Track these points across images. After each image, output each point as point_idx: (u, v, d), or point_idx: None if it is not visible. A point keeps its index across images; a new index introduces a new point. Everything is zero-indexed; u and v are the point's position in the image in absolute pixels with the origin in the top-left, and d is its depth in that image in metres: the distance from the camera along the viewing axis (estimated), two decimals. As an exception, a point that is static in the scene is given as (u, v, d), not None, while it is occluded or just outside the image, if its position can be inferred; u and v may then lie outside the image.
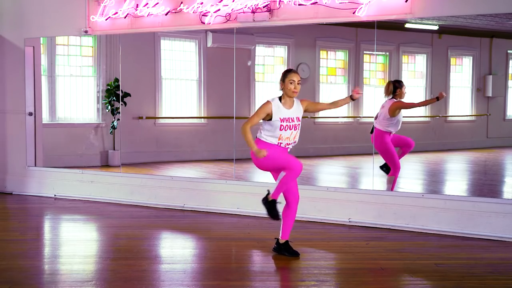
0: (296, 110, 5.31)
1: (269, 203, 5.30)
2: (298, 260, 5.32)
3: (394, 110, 7.23)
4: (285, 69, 5.46)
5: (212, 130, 10.87)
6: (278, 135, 5.23)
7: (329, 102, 5.55)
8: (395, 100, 7.29)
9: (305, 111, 5.40)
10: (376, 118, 7.44)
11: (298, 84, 5.26)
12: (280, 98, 5.31)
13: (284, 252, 5.43)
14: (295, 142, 5.35)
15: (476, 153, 10.79)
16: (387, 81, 7.50)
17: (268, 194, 5.31)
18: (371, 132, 7.47)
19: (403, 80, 10.45)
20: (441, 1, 6.42)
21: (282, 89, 5.30)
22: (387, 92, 7.35)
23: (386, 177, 7.46)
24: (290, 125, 5.24)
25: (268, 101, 5.29)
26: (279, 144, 5.25)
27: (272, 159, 5.24)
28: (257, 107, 5.34)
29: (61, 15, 8.41)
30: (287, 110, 5.26)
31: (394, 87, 7.30)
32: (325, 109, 5.58)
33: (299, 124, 5.31)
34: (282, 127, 5.22)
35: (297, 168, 5.18)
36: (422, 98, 10.48)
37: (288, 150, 5.36)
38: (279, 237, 5.48)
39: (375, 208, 6.71)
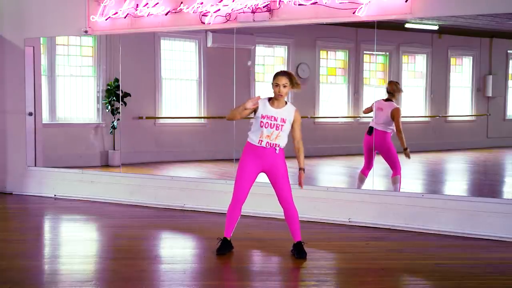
0: (283, 112, 5.30)
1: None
2: (298, 260, 5.31)
3: (393, 116, 7.35)
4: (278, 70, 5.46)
5: (212, 130, 10.87)
6: (259, 132, 5.29)
7: (297, 146, 5.42)
8: (396, 106, 7.41)
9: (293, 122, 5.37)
10: (374, 119, 7.51)
11: (284, 87, 5.26)
12: (270, 98, 5.37)
13: (294, 252, 5.44)
14: (277, 145, 5.29)
15: (476, 153, 10.80)
16: (388, 81, 7.62)
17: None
18: (369, 133, 7.48)
19: (403, 80, 10.50)
20: (441, 1, 6.42)
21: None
22: (393, 91, 7.46)
23: (390, 178, 7.47)
24: (271, 123, 5.26)
25: (259, 96, 5.39)
26: (259, 142, 5.27)
27: (238, 170, 5.42)
28: None
29: (61, 15, 8.41)
30: (272, 108, 5.30)
31: (398, 88, 7.52)
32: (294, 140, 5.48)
33: (282, 125, 5.26)
34: (262, 123, 5.27)
35: (230, 203, 5.43)
36: (422, 98, 10.50)
37: (276, 150, 5.30)
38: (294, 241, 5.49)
39: (375, 208, 6.71)
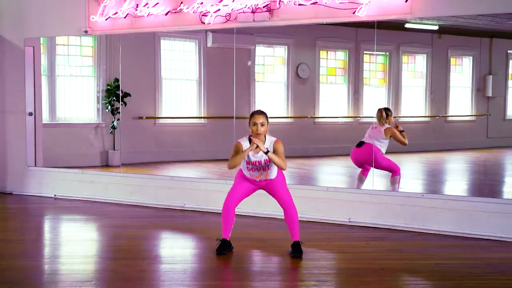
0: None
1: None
2: (298, 260, 5.32)
3: (388, 134, 7.44)
4: (253, 110, 5.50)
5: (212, 130, 10.87)
6: (249, 173, 5.43)
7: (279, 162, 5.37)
8: (388, 126, 7.49)
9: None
10: (366, 136, 7.55)
11: (262, 125, 5.29)
12: (250, 138, 5.36)
13: (290, 250, 5.45)
14: (271, 177, 5.42)
15: (476, 153, 10.80)
16: (378, 108, 7.69)
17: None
18: (359, 146, 7.50)
19: (402, 80, 10.51)
20: (441, 1, 6.42)
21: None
22: (380, 119, 7.54)
23: (389, 178, 7.48)
24: (257, 167, 5.37)
25: (238, 142, 5.41)
26: (253, 179, 5.43)
27: (235, 180, 5.53)
28: (257, 107, 5.38)
29: (61, 15, 8.41)
30: (254, 154, 5.33)
31: (386, 114, 7.55)
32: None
33: (268, 165, 5.35)
34: (249, 168, 5.40)
35: (222, 207, 5.50)
36: (422, 98, 10.50)
37: (271, 178, 5.43)
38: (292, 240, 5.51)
39: (375, 208, 6.71)
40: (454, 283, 4.74)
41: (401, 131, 7.51)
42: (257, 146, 5.24)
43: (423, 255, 5.59)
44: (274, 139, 5.41)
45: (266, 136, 5.40)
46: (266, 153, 5.24)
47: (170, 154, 10.59)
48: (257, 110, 5.44)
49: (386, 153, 7.49)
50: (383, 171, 7.53)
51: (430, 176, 9.65)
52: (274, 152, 5.32)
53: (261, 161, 5.34)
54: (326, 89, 10.84)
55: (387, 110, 7.64)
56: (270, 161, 5.32)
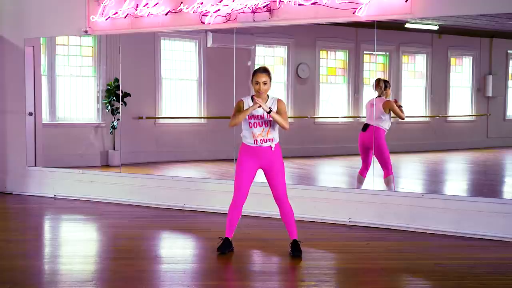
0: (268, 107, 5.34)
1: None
2: (298, 260, 5.32)
3: (386, 108, 7.42)
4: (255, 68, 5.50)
5: (212, 130, 10.87)
6: (250, 133, 5.36)
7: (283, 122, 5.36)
8: (386, 99, 7.47)
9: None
10: (368, 116, 7.53)
11: (264, 84, 5.31)
12: (253, 97, 5.39)
13: (290, 250, 5.45)
14: (271, 139, 5.36)
15: (476, 153, 10.79)
16: (376, 78, 7.64)
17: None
18: (364, 130, 7.50)
19: (403, 80, 10.51)
20: (441, 1, 6.42)
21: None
22: (377, 88, 7.54)
23: (383, 180, 7.46)
24: (259, 122, 5.33)
25: (240, 99, 5.44)
26: (255, 142, 5.34)
27: (236, 170, 5.45)
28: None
29: (61, 15, 8.41)
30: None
31: (385, 86, 7.53)
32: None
33: (270, 121, 5.34)
34: (250, 124, 5.35)
35: (231, 203, 5.45)
36: (422, 98, 10.50)
37: (272, 148, 5.36)
38: (290, 239, 5.50)
39: (375, 208, 6.71)
40: (454, 283, 4.74)
41: (399, 106, 7.51)
42: (260, 106, 5.25)
43: (423, 255, 5.59)
44: (276, 97, 5.42)
45: (269, 94, 5.41)
46: (269, 112, 5.25)
47: (170, 154, 10.59)
48: (259, 68, 5.43)
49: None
50: (379, 170, 7.51)
51: (430, 176, 9.64)
52: (278, 111, 5.34)
53: (263, 115, 5.32)
54: (326, 89, 10.83)
55: (385, 81, 7.62)
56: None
